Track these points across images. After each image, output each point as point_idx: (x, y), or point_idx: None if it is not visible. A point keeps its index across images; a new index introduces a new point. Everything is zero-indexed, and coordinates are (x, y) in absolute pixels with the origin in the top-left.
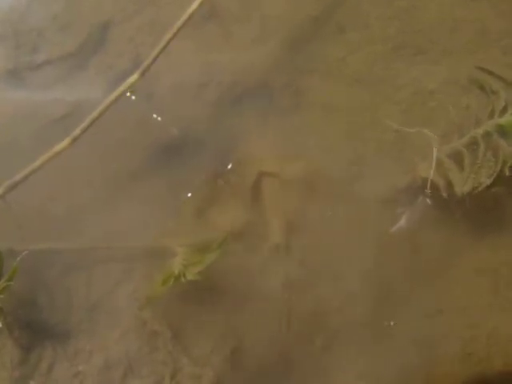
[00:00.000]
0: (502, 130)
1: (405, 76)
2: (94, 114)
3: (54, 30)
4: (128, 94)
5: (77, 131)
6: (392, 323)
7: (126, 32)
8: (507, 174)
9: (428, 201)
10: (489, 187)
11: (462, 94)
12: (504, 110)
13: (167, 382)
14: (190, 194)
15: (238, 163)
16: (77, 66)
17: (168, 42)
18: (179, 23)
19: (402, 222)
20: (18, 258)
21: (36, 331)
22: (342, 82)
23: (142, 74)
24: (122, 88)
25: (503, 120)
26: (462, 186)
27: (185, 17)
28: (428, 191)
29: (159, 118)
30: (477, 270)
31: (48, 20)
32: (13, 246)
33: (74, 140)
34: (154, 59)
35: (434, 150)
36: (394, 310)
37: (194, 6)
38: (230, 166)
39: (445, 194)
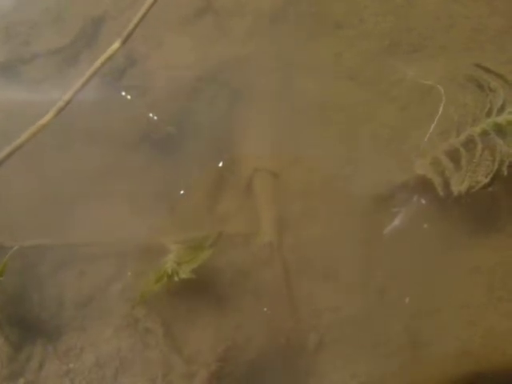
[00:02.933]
0: (500, 129)
1: (401, 73)
2: (79, 83)
3: (46, 24)
4: (124, 93)
5: (61, 102)
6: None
7: (118, 26)
8: (505, 173)
9: (424, 199)
10: (486, 186)
11: (459, 92)
12: (502, 109)
13: (159, 380)
14: (183, 192)
15: (232, 160)
16: (69, 60)
17: (150, 7)
18: None
19: (398, 220)
20: (8, 254)
21: (26, 328)
22: (337, 79)
23: (124, 42)
24: (104, 56)
25: (501, 118)
26: (458, 185)
27: None
28: (424, 189)
29: (155, 117)
30: (473, 269)
31: (40, 13)
32: (3, 242)
33: (59, 112)
34: (135, 26)
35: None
36: (390, 309)
37: None
38: (224, 163)
39: (441, 193)
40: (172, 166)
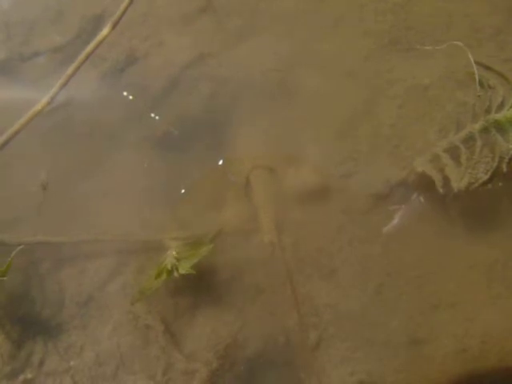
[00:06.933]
0: (499, 126)
1: (400, 70)
2: (71, 68)
3: (46, 22)
4: (125, 92)
5: (54, 89)
6: None
7: (118, 24)
8: (504, 170)
9: (423, 196)
10: (485, 183)
11: (459, 89)
12: (501, 106)
13: (159, 377)
14: (183, 189)
15: (232, 159)
16: (69, 58)
17: None
18: None
19: (397, 217)
20: (13, 253)
21: (27, 326)
22: (336, 77)
23: (113, 27)
24: (95, 42)
25: (500, 115)
26: (458, 182)
27: None
28: (423, 186)
29: (156, 117)
30: (471, 265)
31: (40, 12)
32: (4, 239)
33: (53, 97)
34: (124, 11)
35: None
36: (388, 306)
37: None
38: (224, 162)
39: (441, 190)
40: (172, 164)
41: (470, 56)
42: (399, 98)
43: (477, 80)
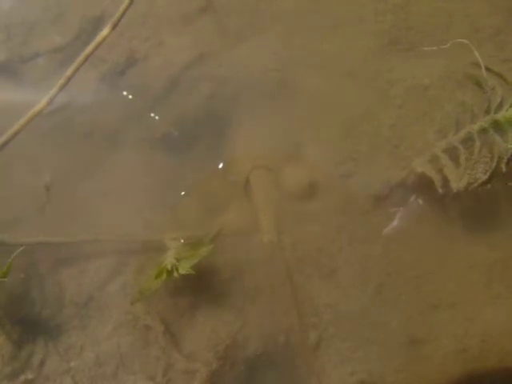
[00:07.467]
0: (498, 126)
1: (400, 70)
2: (70, 69)
3: (46, 23)
4: (125, 92)
5: (54, 90)
6: None
7: (118, 25)
8: (503, 170)
9: (422, 197)
10: (484, 183)
11: (459, 89)
12: (500, 106)
13: (159, 377)
14: (183, 189)
15: (231, 158)
16: (69, 59)
17: None
18: None
19: (397, 217)
20: (13, 254)
21: (27, 326)
22: (336, 77)
23: (113, 28)
24: (95, 42)
25: (499, 116)
26: (457, 182)
27: None
28: (423, 187)
29: (156, 117)
30: (471, 265)
31: (40, 13)
32: (4, 239)
33: (52, 99)
34: (124, 11)
35: None
36: (388, 306)
37: None
38: (223, 161)
39: (440, 190)
40: (172, 164)
41: (477, 54)
42: (399, 98)
43: (484, 74)
